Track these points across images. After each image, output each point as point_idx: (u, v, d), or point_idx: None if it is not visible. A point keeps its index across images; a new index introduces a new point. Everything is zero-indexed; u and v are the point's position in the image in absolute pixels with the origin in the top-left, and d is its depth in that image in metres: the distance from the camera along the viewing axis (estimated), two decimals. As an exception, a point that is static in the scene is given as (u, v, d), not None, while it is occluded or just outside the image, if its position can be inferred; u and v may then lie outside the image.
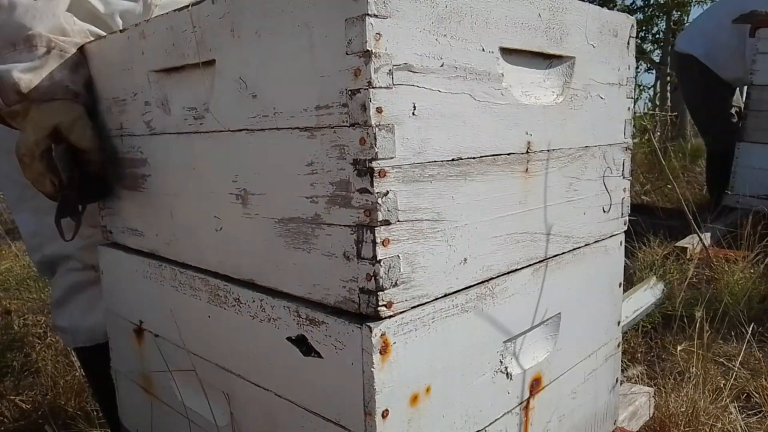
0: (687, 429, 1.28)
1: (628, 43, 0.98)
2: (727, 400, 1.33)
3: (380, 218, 0.60)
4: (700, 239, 2.41)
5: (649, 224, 2.71)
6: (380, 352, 0.62)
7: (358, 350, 0.63)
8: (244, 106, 0.72)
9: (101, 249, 1.09)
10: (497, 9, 0.72)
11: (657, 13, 10.08)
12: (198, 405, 0.89)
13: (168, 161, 0.89)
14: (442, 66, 0.65)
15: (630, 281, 2.12)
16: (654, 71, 10.40)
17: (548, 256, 0.87)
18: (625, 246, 1.05)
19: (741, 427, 1.26)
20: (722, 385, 1.43)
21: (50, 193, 0.94)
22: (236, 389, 0.82)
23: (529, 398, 0.85)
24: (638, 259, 2.39)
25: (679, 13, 9.35)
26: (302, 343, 0.70)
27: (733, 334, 1.78)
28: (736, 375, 1.46)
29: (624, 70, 0.98)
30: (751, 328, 1.47)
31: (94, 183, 0.97)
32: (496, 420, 0.80)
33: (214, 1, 0.72)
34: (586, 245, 0.95)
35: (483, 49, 0.71)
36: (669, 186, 3.77)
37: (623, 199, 1.03)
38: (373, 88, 0.57)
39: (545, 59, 0.83)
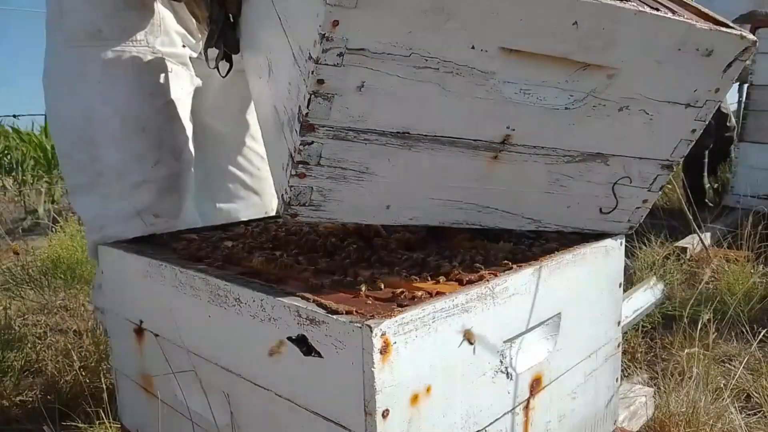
0: (687, 429, 1.28)
1: (729, 66, 0.87)
2: (728, 400, 1.33)
3: (298, 159, 0.73)
4: (701, 239, 2.41)
5: (650, 224, 2.71)
6: (381, 352, 0.62)
7: (358, 350, 0.63)
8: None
9: (101, 249, 1.09)
10: (509, 12, 0.70)
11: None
12: (198, 404, 0.89)
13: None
14: (410, 55, 0.69)
15: (630, 281, 2.12)
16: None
17: (499, 227, 0.92)
18: (626, 246, 1.05)
19: (741, 427, 1.26)
20: (722, 385, 1.43)
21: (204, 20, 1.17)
22: (236, 389, 0.82)
23: (529, 398, 0.85)
24: (638, 259, 2.39)
25: (679, 13, 9.34)
26: (303, 343, 0.70)
27: (733, 334, 1.78)
28: (736, 375, 1.45)
29: (704, 92, 0.88)
30: (751, 328, 1.47)
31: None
32: (496, 420, 0.80)
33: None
34: (585, 241, 0.95)
35: (473, 47, 0.71)
36: (669, 186, 3.77)
37: (637, 208, 1.00)
38: (317, 63, 0.66)
39: (575, 63, 0.79)
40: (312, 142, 0.73)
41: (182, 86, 1.33)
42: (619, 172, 0.94)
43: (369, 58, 0.68)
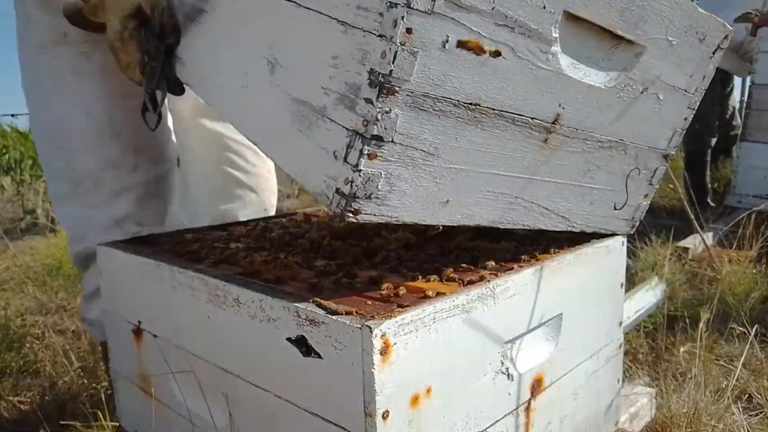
0: (689, 430, 1.27)
1: (714, 53, 0.92)
2: (729, 401, 1.32)
3: (374, 132, 0.62)
4: (702, 239, 2.40)
5: (651, 224, 2.70)
6: (381, 353, 0.62)
7: (358, 351, 0.62)
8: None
9: (100, 249, 1.08)
10: None
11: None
12: (197, 405, 0.89)
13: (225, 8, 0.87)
14: (492, 9, 0.64)
15: (632, 281, 2.11)
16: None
17: (536, 228, 0.87)
18: (627, 246, 1.04)
19: (743, 427, 1.25)
20: (724, 386, 1.42)
21: (138, 80, 1.00)
22: (235, 390, 0.81)
23: (530, 399, 0.85)
24: (640, 259, 2.38)
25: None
26: (302, 344, 0.69)
27: (734, 334, 1.77)
28: (738, 376, 1.45)
29: (697, 78, 0.92)
30: (753, 329, 1.46)
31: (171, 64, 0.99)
32: (497, 421, 0.79)
33: None
34: (587, 241, 0.94)
35: (544, 7, 0.69)
36: (671, 185, 3.77)
37: (640, 204, 1.00)
38: (409, 7, 0.58)
39: (613, 39, 0.79)
40: (389, 110, 0.62)
41: None
42: (632, 163, 0.94)
43: (458, 7, 0.62)
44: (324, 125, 0.67)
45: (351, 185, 0.64)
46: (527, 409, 0.85)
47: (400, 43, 0.59)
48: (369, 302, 0.71)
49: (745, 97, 3.36)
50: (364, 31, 0.62)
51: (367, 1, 0.61)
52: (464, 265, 0.85)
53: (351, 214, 0.66)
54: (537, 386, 0.86)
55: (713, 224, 2.83)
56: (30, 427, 1.46)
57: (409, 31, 0.59)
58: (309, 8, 0.69)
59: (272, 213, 1.63)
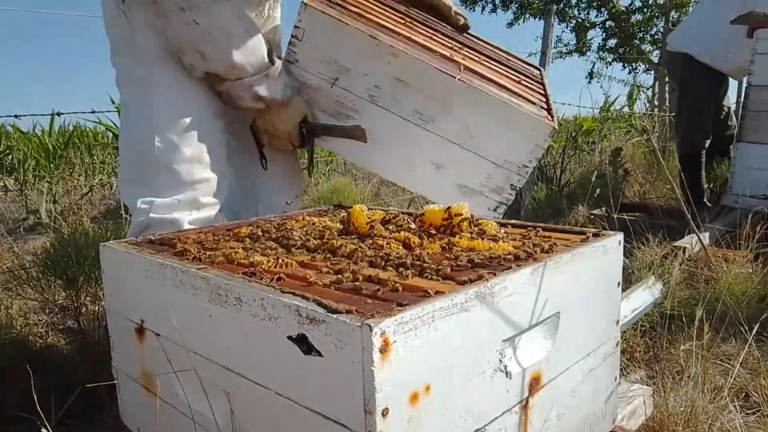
0: (686, 428, 1.28)
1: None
2: (727, 400, 1.33)
3: (510, 201, 1.59)
4: (699, 239, 2.41)
5: (648, 224, 2.71)
6: (380, 351, 0.63)
7: (358, 349, 0.63)
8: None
9: (102, 248, 1.09)
10: None
11: (656, 14, 10.08)
12: (199, 404, 0.90)
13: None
14: None
15: (629, 281, 2.12)
16: (653, 72, 10.41)
17: None
18: (624, 246, 1.05)
19: (740, 426, 1.26)
20: (721, 385, 1.43)
21: (288, 148, 1.59)
22: (237, 388, 0.82)
23: (528, 397, 0.86)
24: (637, 259, 2.39)
25: (678, 13, 9.36)
26: (303, 342, 0.70)
27: (731, 333, 1.78)
28: (735, 374, 1.46)
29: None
30: (750, 328, 1.47)
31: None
32: (495, 418, 0.80)
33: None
34: (583, 242, 0.95)
35: None
36: (668, 186, 3.78)
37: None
38: (518, 170, 1.51)
39: None
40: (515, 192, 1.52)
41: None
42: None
43: None
44: (482, 197, 1.51)
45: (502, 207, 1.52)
46: (525, 406, 0.86)
47: (521, 175, 1.48)
48: (369, 301, 0.72)
49: (742, 99, 3.37)
50: (508, 171, 1.48)
51: (512, 158, 1.44)
52: (463, 264, 0.87)
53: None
54: (535, 384, 0.87)
55: (710, 224, 2.84)
56: (32, 426, 1.47)
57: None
58: (469, 150, 1.49)
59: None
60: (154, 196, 1.40)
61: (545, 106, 1.56)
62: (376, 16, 1.52)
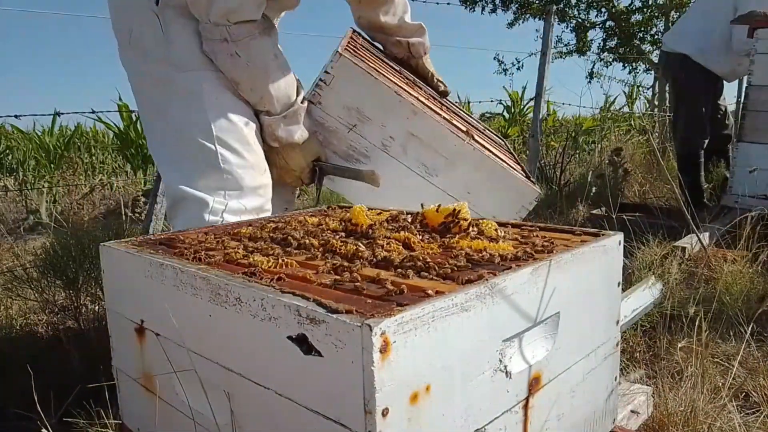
0: (686, 428, 1.28)
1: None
2: (726, 399, 1.33)
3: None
4: (699, 239, 2.41)
5: (648, 224, 2.71)
6: (380, 351, 0.63)
7: (358, 349, 0.63)
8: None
9: (102, 248, 1.10)
10: None
11: (656, 14, 10.09)
12: (199, 404, 0.90)
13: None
14: None
15: (629, 281, 2.12)
16: (653, 72, 10.42)
17: None
18: (624, 246, 1.05)
19: (739, 425, 1.26)
20: (721, 384, 1.43)
21: (298, 185, 1.71)
22: (237, 388, 0.82)
23: (528, 397, 0.86)
24: (637, 259, 2.39)
25: (678, 13, 9.36)
26: (303, 342, 0.70)
27: (731, 333, 1.78)
28: (734, 374, 1.46)
29: None
30: (749, 328, 1.48)
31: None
32: (495, 418, 0.80)
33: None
34: (583, 242, 0.95)
35: None
36: (668, 186, 3.77)
37: None
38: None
39: None
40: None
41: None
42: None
43: None
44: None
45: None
46: (525, 406, 0.86)
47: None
48: (369, 301, 0.72)
49: (741, 99, 3.37)
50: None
51: (501, 215, 1.35)
52: (463, 264, 0.87)
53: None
54: (535, 384, 0.87)
55: (710, 224, 2.84)
56: (33, 424, 1.47)
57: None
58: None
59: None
60: (220, 198, 1.45)
61: (525, 174, 1.78)
62: (386, 74, 1.65)
